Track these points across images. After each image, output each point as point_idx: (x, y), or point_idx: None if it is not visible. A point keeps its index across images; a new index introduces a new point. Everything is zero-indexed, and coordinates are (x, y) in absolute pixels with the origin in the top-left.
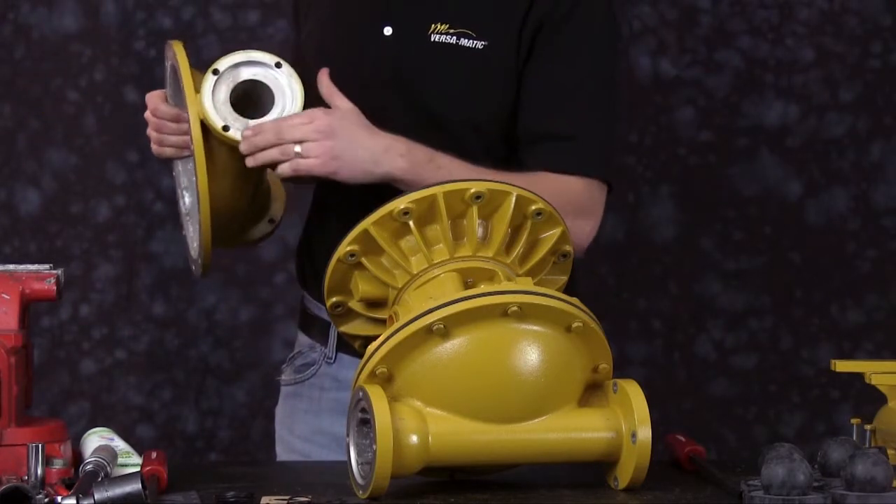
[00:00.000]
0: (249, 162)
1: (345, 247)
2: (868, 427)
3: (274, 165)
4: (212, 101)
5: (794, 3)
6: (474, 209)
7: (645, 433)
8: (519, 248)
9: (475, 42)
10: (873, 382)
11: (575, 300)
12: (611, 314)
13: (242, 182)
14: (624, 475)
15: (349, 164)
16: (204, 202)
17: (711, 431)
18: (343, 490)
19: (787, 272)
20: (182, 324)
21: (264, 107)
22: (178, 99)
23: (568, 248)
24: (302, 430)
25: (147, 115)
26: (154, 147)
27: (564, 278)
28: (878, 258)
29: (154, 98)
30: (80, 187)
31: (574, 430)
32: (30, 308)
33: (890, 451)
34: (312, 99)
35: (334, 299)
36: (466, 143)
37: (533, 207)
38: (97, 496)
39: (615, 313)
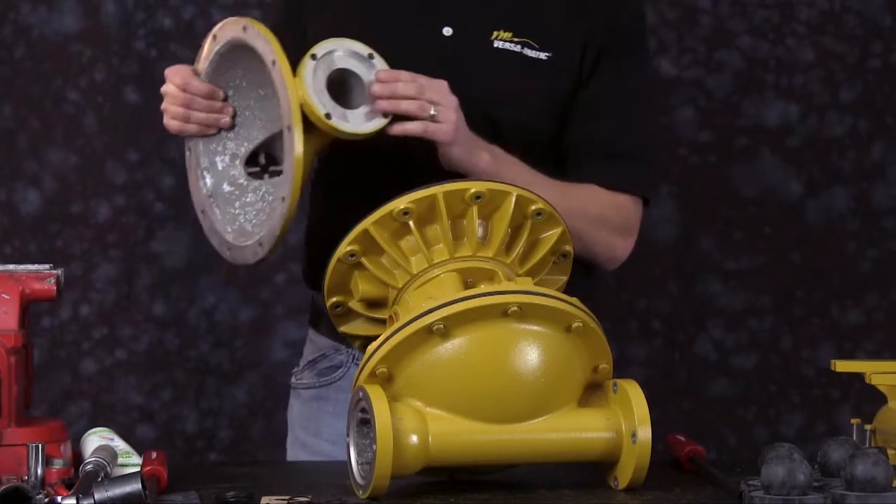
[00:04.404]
0: (383, 105)
1: (345, 247)
2: (868, 427)
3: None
4: (312, 86)
5: (794, 3)
6: (474, 209)
7: (645, 433)
8: (519, 248)
9: (538, 53)
10: (873, 382)
11: (575, 300)
12: (611, 314)
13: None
14: (624, 475)
15: (461, 142)
16: (296, 187)
17: (711, 431)
18: (343, 490)
19: (787, 272)
20: (182, 324)
21: (352, 99)
22: (219, 77)
23: (568, 248)
24: (329, 434)
25: (170, 89)
26: (174, 123)
27: (564, 278)
28: (878, 258)
29: (184, 72)
30: (80, 187)
31: (574, 430)
32: (30, 308)
33: (890, 451)
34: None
35: (334, 299)
36: (525, 153)
37: (533, 207)
38: (97, 496)
39: (615, 313)
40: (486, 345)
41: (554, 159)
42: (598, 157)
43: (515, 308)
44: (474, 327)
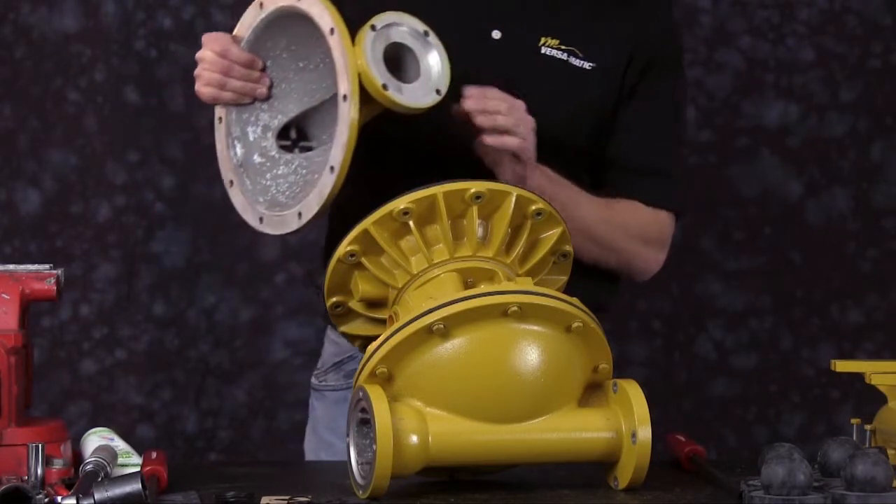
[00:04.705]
0: (481, 120)
1: (345, 247)
2: (868, 427)
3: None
4: (371, 57)
5: (794, 3)
6: (474, 209)
7: (645, 433)
8: (519, 248)
9: (583, 62)
10: (873, 382)
11: (575, 300)
12: (611, 314)
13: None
14: (624, 475)
15: (531, 165)
16: (347, 156)
17: (711, 431)
18: (343, 490)
19: (787, 272)
20: (182, 324)
21: (404, 73)
22: (260, 47)
23: (568, 247)
24: None
25: (207, 55)
26: (207, 90)
27: (564, 278)
28: (878, 258)
29: (223, 39)
30: (80, 187)
31: (574, 430)
32: (30, 308)
33: (890, 451)
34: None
35: (334, 299)
36: (555, 161)
37: (533, 207)
38: (97, 496)
39: (615, 313)
40: (486, 345)
41: (586, 167)
42: (639, 173)
43: (515, 308)
44: (474, 327)
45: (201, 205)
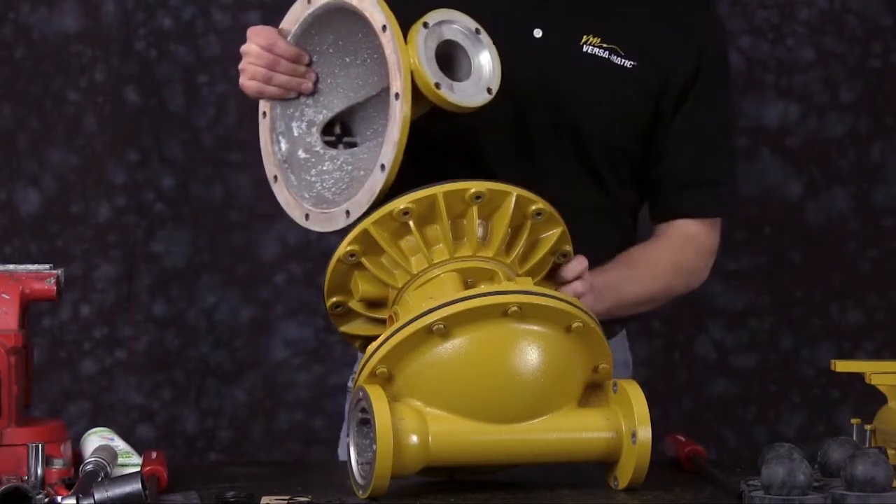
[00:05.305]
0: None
1: (345, 247)
2: (868, 427)
3: None
4: (424, 54)
5: (794, 3)
6: (474, 209)
7: (645, 433)
8: (519, 248)
9: (624, 60)
10: (873, 382)
11: (575, 300)
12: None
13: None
14: (624, 475)
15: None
16: (399, 154)
17: (711, 431)
18: (343, 490)
19: (787, 272)
20: (182, 324)
21: (455, 71)
22: (306, 41)
23: (568, 247)
24: None
25: (253, 49)
26: (252, 84)
27: None
28: (878, 258)
29: (269, 33)
30: (80, 187)
31: (574, 430)
32: (30, 308)
33: (890, 451)
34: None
35: (334, 299)
36: (598, 160)
37: (533, 207)
38: (97, 496)
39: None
40: (486, 345)
41: (630, 168)
42: (689, 185)
43: (515, 308)
44: (474, 327)
45: (201, 205)
